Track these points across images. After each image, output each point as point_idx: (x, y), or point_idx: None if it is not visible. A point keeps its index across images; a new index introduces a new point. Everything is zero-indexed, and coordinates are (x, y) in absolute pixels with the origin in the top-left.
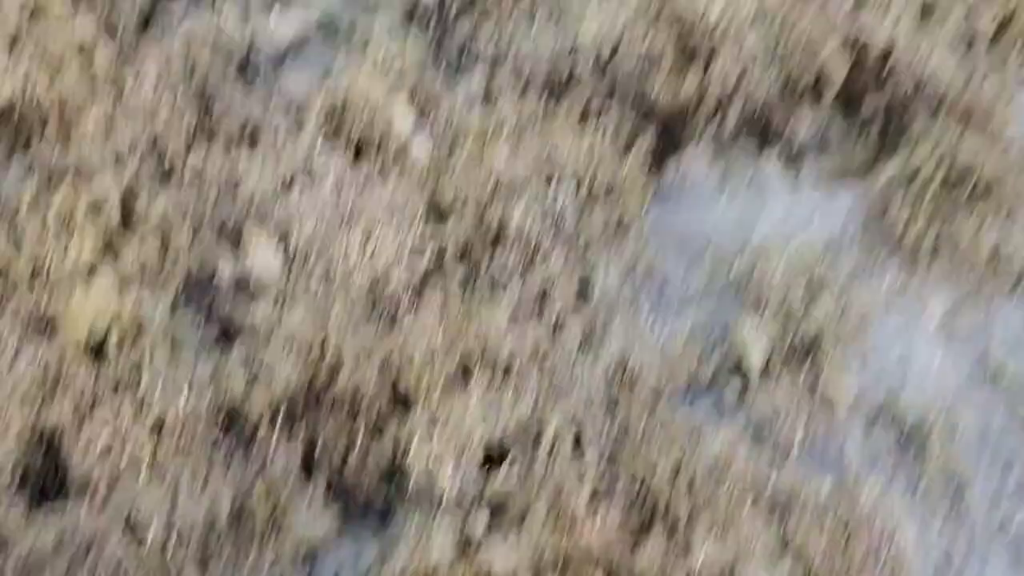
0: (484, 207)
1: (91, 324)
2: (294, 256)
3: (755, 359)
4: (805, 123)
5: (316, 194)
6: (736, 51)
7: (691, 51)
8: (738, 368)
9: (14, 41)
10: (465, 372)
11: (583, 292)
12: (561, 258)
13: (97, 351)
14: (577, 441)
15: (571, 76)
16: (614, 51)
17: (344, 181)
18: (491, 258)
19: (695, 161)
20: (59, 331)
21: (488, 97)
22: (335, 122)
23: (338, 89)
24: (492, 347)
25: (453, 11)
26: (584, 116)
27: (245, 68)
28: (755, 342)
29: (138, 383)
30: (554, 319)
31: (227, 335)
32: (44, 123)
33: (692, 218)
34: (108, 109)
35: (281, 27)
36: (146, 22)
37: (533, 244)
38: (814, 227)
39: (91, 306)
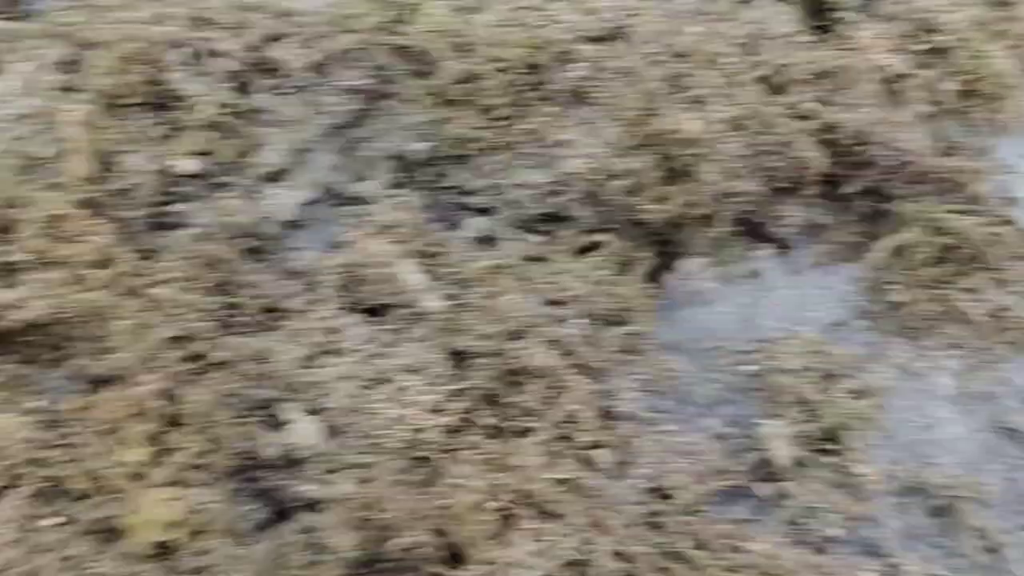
0: (501, 350)
1: (153, 529)
2: (331, 425)
3: (783, 456)
4: (793, 215)
5: (343, 361)
6: (718, 160)
7: (675, 167)
8: (769, 467)
9: (39, 256)
10: (510, 518)
11: (607, 416)
12: (580, 387)
13: (162, 553)
14: (627, 566)
15: (563, 209)
16: (601, 179)
17: (367, 344)
18: (515, 398)
19: (694, 269)
20: (123, 539)
21: (488, 241)
22: (349, 288)
23: (346, 257)
24: (530, 488)
25: (443, 164)
26: (583, 245)
27: (256, 248)
28: (780, 439)
29: None
30: (584, 449)
31: (281, 514)
32: (79, 334)
33: (700, 324)
34: (136, 313)
35: (283, 202)
36: (159, 222)
37: (552, 378)
38: (818, 314)
39: (150, 511)
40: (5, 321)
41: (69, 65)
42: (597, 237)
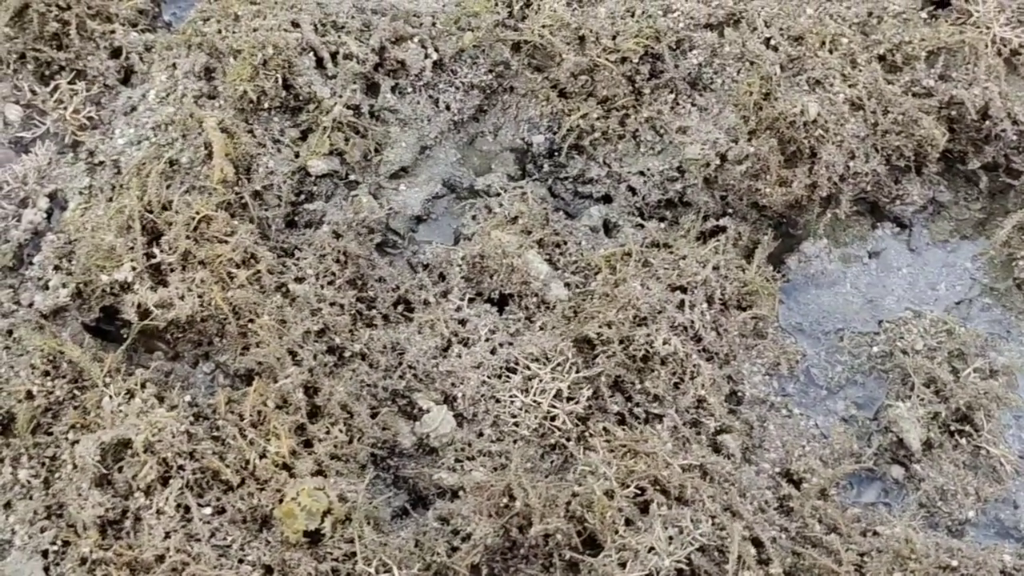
0: (627, 336)
1: (301, 518)
2: (464, 413)
3: (914, 439)
4: (914, 194)
5: (472, 351)
6: (838, 142)
7: (794, 150)
8: (899, 449)
9: (185, 258)
10: (643, 504)
11: (734, 401)
12: (707, 372)
13: (310, 541)
14: (759, 551)
15: (683, 195)
16: (720, 164)
17: (495, 334)
18: (642, 384)
19: (815, 251)
20: (274, 526)
21: (609, 229)
22: (476, 280)
23: (472, 248)
24: (662, 474)
25: (563, 152)
26: (703, 231)
27: (385, 242)
28: (910, 421)
29: (353, 564)
30: (713, 434)
31: (419, 501)
32: (222, 330)
33: (823, 306)
34: (277, 309)
35: (410, 197)
36: (293, 220)
37: (678, 364)
38: (941, 293)
39: (297, 501)
40: (154, 319)
41: (207, 72)
42: (718, 222)
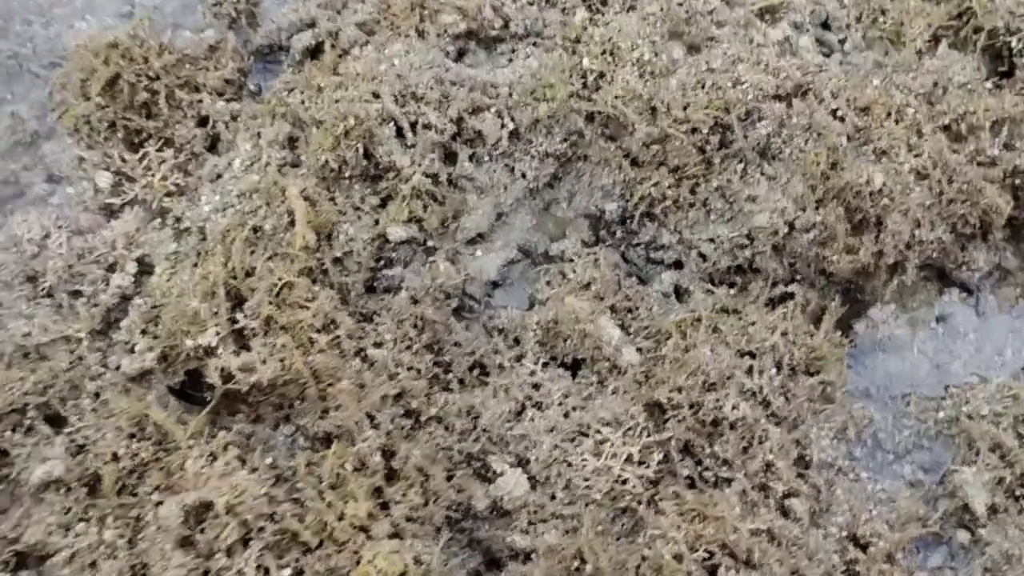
0: (697, 401)
1: None
2: (537, 476)
3: (979, 503)
4: (980, 260)
5: (546, 414)
6: (904, 210)
7: (861, 218)
8: (964, 513)
9: (268, 323)
10: (712, 568)
11: (802, 465)
12: (775, 437)
13: None
14: None
15: (752, 261)
16: (788, 232)
17: (568, 398)
18: (712, 448)
19: (882, 316)
20: None
21: (680, 294)
22: (549, 344)
23: (546, 314)
24: (731, 538)
25: (635, 219)
26: (771, 297)
27: (461, 307)
28: (975, 486)
29: None
30: (781, 498)
31: (492, 563)
32: (303, 394)
33: (890, 371)
34: (356, 374)
35: (487, 263)
36: (372, 285)
37: (747, 429)
38: (1007, 358)
39: (375, 563)
40: (237, 383)
41: (291, 142)
42: (786, 288)
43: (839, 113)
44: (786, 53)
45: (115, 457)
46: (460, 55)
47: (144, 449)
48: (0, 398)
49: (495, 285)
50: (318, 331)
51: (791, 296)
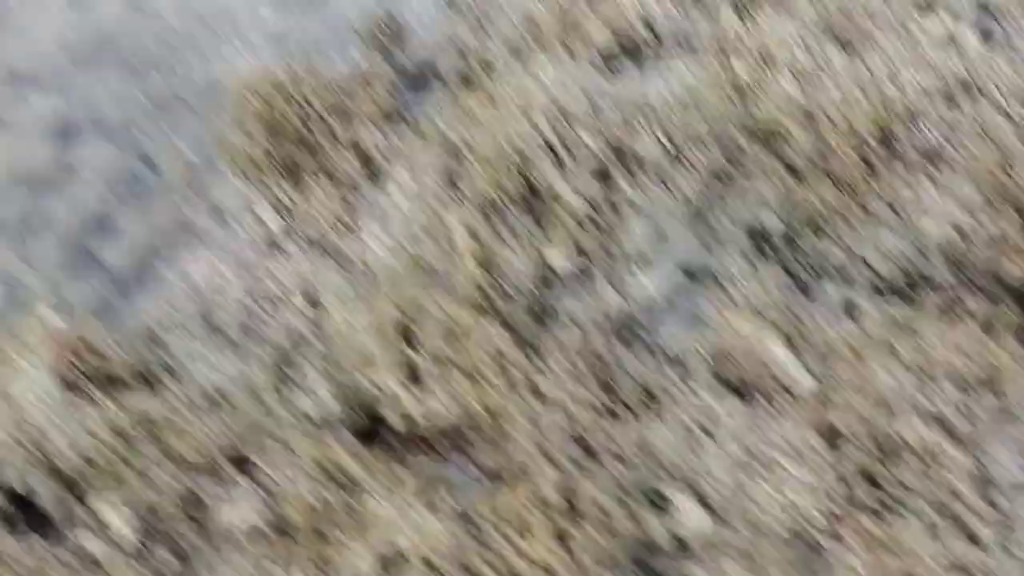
0: (874, 425)
1: None
2: (716, 509)
3: None
4: None
5: (719, 443)
6: None
7: None
8: None
9: (441, 361)
10: None
11: (986, 488)
12: (957, 459)
13: None
14: None
15: (922, 272)
16: (961, 241)
17: (741, 426)
18: (891, 474)
19: None
20: None
21: (849, 310)
22: (719, 369)
23: (713, 337)
24: (916, 570)
25: (798, 233)
26: (945, 310)
27: (628, 333)
28: None
29: None
30: (967, 524)
31: None
32: (479, 431)
33: None
34: (531, 408)
35: (649, 286)
36: (537, 314)
37: (927, 452)
38: None
39: None
40: (414, 423)
41: (448, 171)
42: (961, 300)
43: (1009, 110)
44: (946, 46)
45: (304, 502)
46: (610, 71)
47: (332, 493)
48: (193, 445)
49: (659, 307)
50: (490, 367)
51: (966, 308)
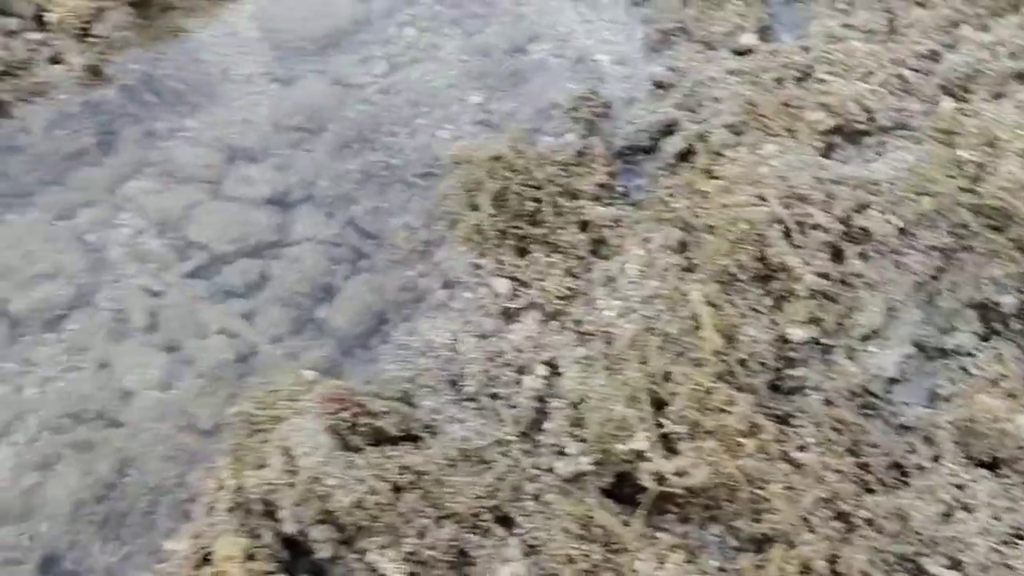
0: None
1: None
2: None
3: None
4: None
5: (975, 516)
6: None
7: None
8: None
9: (693, 427)
10: None
11: None
12: None
13: None
14: None
15: None
16: None
17: (995, 499)
18: None
19: None
20: None
21: None
22: (965, 443)
23: (957, 411)
24: None
25: None
26: None
27: (864, 405)
28: None
29: None
30: None
31: None
32: (733, 496)
33: None
34: (785, 477)
35: (883, 359)
36: (776, 386)
37: None
38: None
39: None
40: (669, 486)
41: (681, 246)
42: None
43: None
44: None
45: (570, 559)
46: (828, 151)
47: (595, 551)
48: (459, 499)
49: (893, 381)
50: (743, 435)
51: None
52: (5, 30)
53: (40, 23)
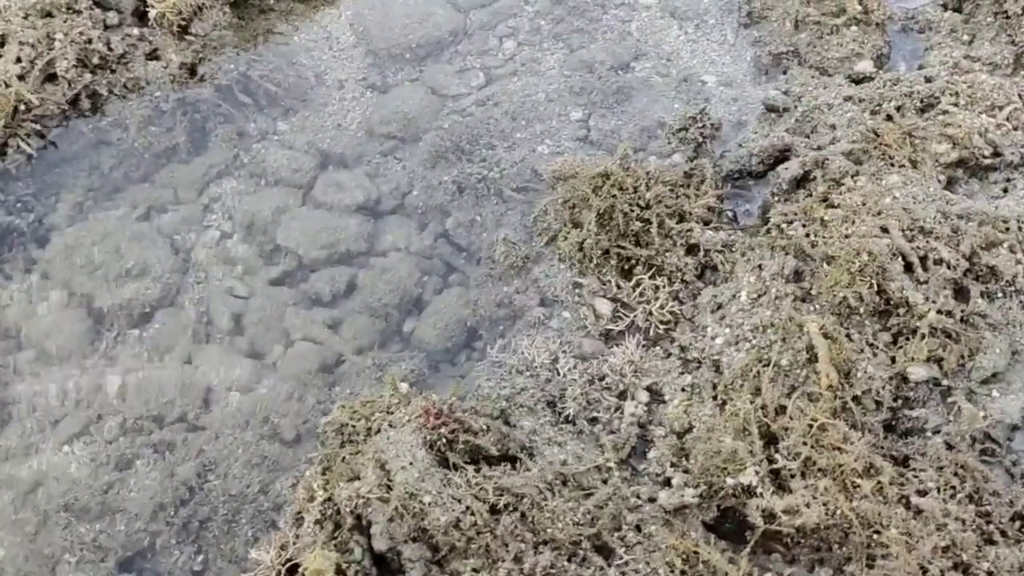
0: None
1: None
2: None
3: None
4: None
5: None
6: None
7: None
8: None
9: (806, 464)
10: None
11: None
12: None
13: None
14: None
15: None
16: None
17: None
18: None
19: None
20: None
21: None
22: None
23: None
24: None
25: None
26: None
27: (984, 451)
28: None
29: None
30: None
31: None
32: (844, 539)
33: None
34: (903, 522)
35: (1006, 404)
36: (891, 425)
37: None
38: None
39: None
40: (778, 524)
41: (796, 275)
42: None
43: None
44: None
45: None
46: (950, 184)
47: None
48: (559, 528)
49: (1015, 428)
50: (859, 475)
51: None
52: (105, 23)
53: (140, 18)
